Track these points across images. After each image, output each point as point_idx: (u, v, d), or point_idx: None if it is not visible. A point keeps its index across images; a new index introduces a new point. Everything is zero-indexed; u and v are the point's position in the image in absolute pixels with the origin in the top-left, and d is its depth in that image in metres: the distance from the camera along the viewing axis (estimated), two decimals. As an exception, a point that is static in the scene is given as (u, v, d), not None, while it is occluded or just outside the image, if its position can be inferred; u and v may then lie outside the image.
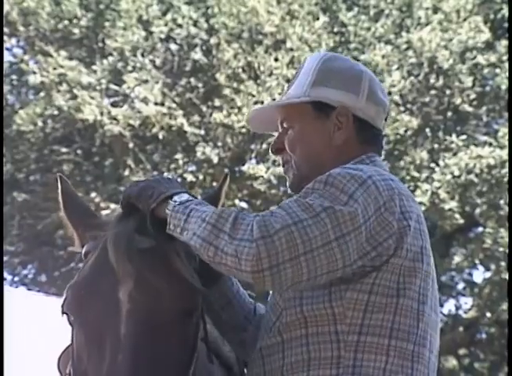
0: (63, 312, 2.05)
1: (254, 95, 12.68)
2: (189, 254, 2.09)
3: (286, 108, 2.28)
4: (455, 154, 12.82)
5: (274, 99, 2.24)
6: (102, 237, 2.09)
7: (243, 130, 12.75)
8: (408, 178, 12.90)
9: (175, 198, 2.04)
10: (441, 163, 12.86)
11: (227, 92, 12.86)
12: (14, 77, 14.44)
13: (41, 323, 5.66)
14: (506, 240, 12.39)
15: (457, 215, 12.96)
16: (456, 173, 12.59)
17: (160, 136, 13.26)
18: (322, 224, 1.90)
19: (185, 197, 2.05)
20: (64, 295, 2.06)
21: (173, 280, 2.01)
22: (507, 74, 12.24)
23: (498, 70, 12.84)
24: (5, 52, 13.68)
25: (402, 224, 2.02)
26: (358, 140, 2.25)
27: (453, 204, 12.73)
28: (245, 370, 2.39)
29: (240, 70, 12.89)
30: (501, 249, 12.90)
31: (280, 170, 2.50)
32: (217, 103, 13.07)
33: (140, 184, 2.11)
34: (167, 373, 1.95)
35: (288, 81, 12.56)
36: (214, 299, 2.24)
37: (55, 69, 13.02)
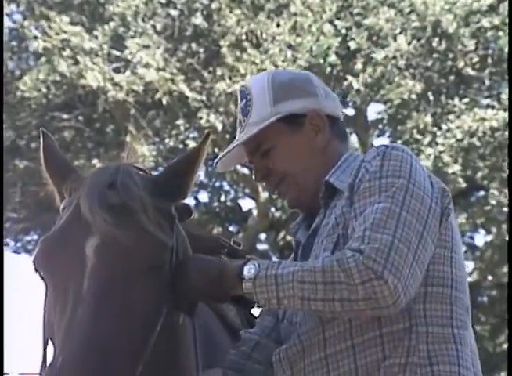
0: (34, 269, 2.07)
1: (256, 64, 12.59)
2: (162, 208, 2.09)
3: (258, 134, 2.28)
4: (458, 117, 12.77)
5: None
6: (77, 193, 2.10)
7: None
8: (411, 141, 12.87)
9: (245, 272, 2.03)
10: (444, 127, 12.81)
11: (229, 60, 12.77)
12: (14, 43, 14.33)
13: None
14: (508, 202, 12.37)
15: (460, 179, 12.95)
16: (459, 136, 12.55)
17: (164, 102, 13.18)
18: (428, 244, 2.05)
19: (250, 266, 2.04)
20: (36, 250, 2.08)
21: (139, 236, 2.00)
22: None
23: (501, 33, 12.72)
24: (5, 18, 13.53)
25: (445, 219, 2.14)
26: (335, 137, 2.32)
27: (456, 168, 12.71)
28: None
29: (243, 36, 12.78)
30: (504, 210, 12.89)
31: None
32: (219, 72, 12.98)
33: (191, 269, 2.11)
34: (128, 327, 1.96)
35: (290, 46, 12.50)
36: None
37: (57, 34, 12.92)
